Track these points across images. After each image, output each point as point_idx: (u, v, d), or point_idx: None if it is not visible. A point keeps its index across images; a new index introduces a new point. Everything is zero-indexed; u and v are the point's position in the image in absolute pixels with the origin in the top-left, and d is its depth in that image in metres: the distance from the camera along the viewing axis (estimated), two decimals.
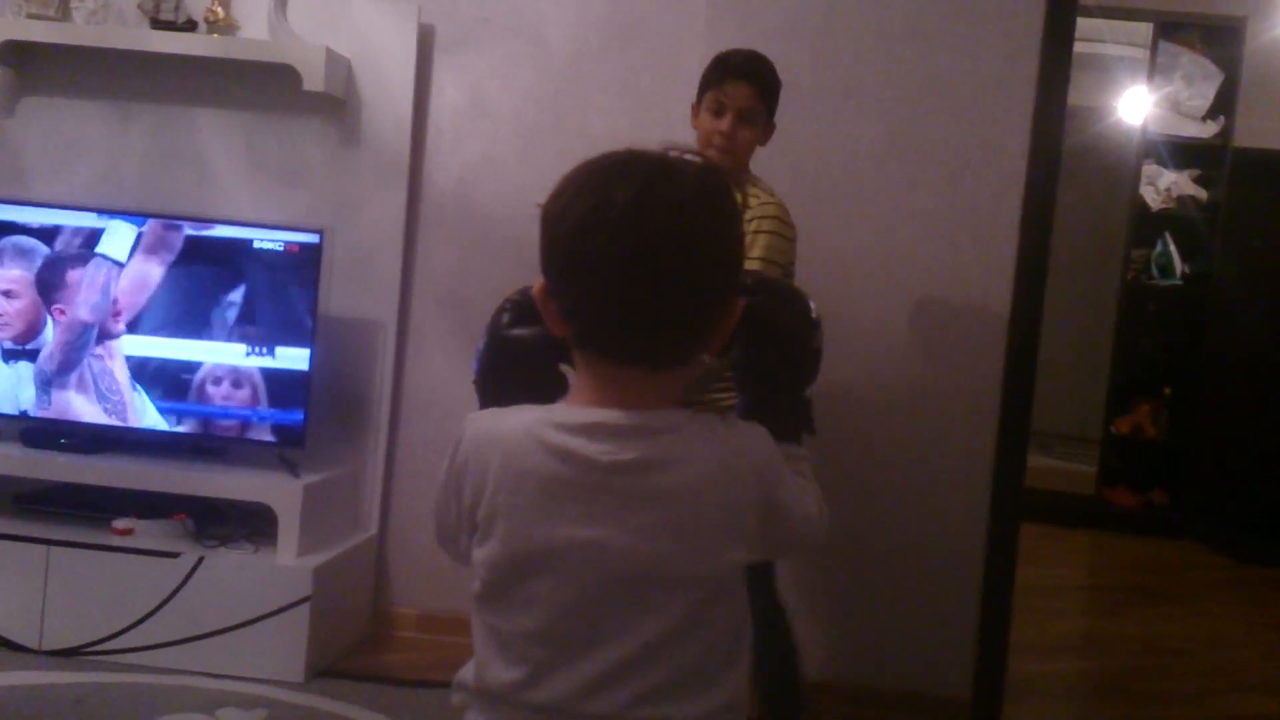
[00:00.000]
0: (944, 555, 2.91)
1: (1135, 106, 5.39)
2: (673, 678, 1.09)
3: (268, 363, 2.84)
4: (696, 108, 2.32)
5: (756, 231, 2.22)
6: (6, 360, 2.89)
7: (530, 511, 1.09)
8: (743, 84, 2.26)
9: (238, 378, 2.85)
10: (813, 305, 1.30)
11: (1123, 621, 4.08)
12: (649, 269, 1.05)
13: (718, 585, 1.12)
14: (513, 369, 1.26)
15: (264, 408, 2.84)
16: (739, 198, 2.24)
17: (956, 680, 2.88)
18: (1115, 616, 4.16)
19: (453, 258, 3.09)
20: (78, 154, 3.11)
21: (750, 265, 2.16)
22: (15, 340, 2.89)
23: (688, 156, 1.13)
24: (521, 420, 1.12)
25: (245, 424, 2.86)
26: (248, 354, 2.85)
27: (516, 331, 1.25)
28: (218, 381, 2.86)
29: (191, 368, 2.86)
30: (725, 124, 2.25)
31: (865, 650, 2.92)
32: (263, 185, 3.07)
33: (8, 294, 2.90)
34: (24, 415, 2.90)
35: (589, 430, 1.10)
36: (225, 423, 2.86)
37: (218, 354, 2.86)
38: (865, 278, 2.92)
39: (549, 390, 1.23)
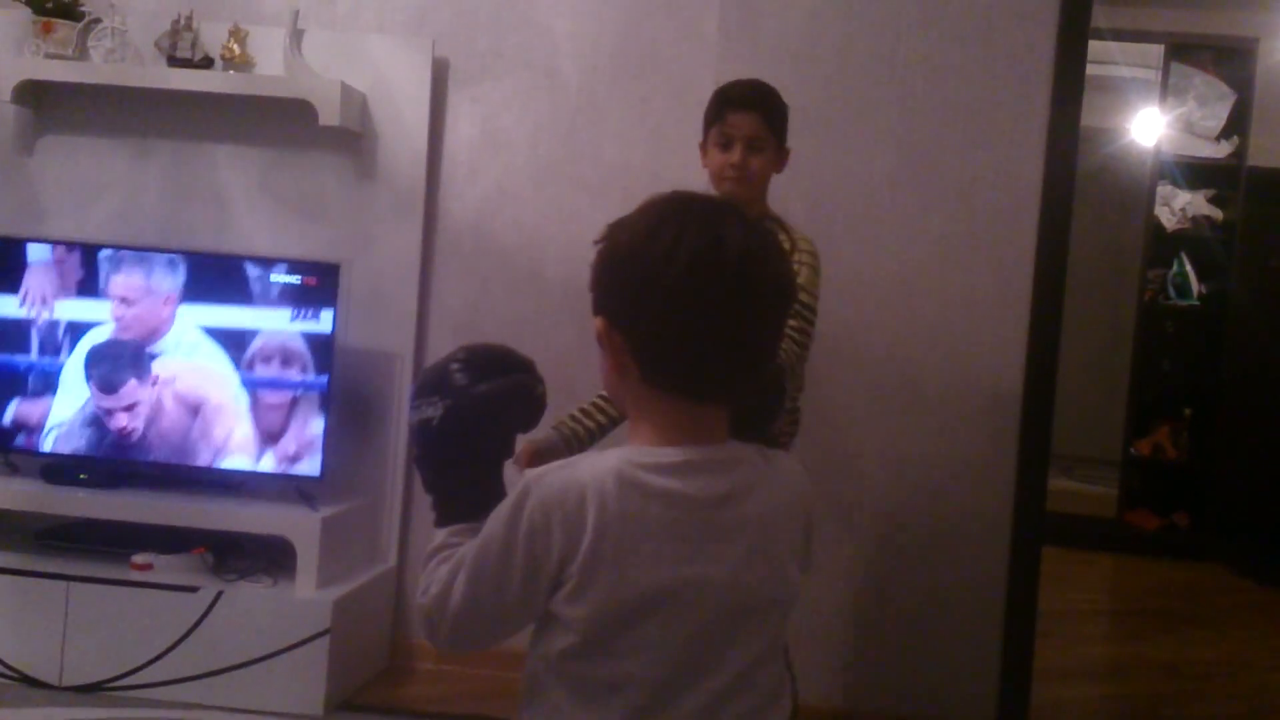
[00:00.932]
0: (965, 580, 2.89)
1: (1148, 127, 5.38)
2: (758, 702, 1.13)
3: (282, 395, 2.85)
4: (704, 146, 2.30)
5: (800, 263, 2.21)
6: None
7: (637, 556, 1.08)
8: (746, 113, 2.24)
9: (257, 407, 2.86)
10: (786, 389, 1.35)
11: (1147, 646, 4.03)
12: (734, 304, 1.08)
13: (789, 605, 1.17)
14: (489, 427, 1.22)
15: (282, 439, 2.85)
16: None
17: (979, 707, 2.86)
18: (1139, 640, 4.12)
19: (469, 289, 3.10)
20: (97, 191, 3.14)
21: (808, 295, 2.19)
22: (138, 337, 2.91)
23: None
24: (606, 467, 1.10)
25: (263, 457, 2.86)
26: (264, 385, 2.86)
27: (484, 387, 1.21)
28: (236, 411, 2.87)
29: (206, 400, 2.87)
30: (735, 155, 2.23)
31: (887, 678, 2.90)
32: (280, 219, 3.09)
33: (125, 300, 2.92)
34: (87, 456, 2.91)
35: (680, 469, 1.11)
36: (244, 454, 2.86)
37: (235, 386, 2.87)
38: (881, 302, 2.92)
39: (508, 448, 1.23)
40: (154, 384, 2.88)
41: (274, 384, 2.86)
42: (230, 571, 2.80)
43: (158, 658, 2.70)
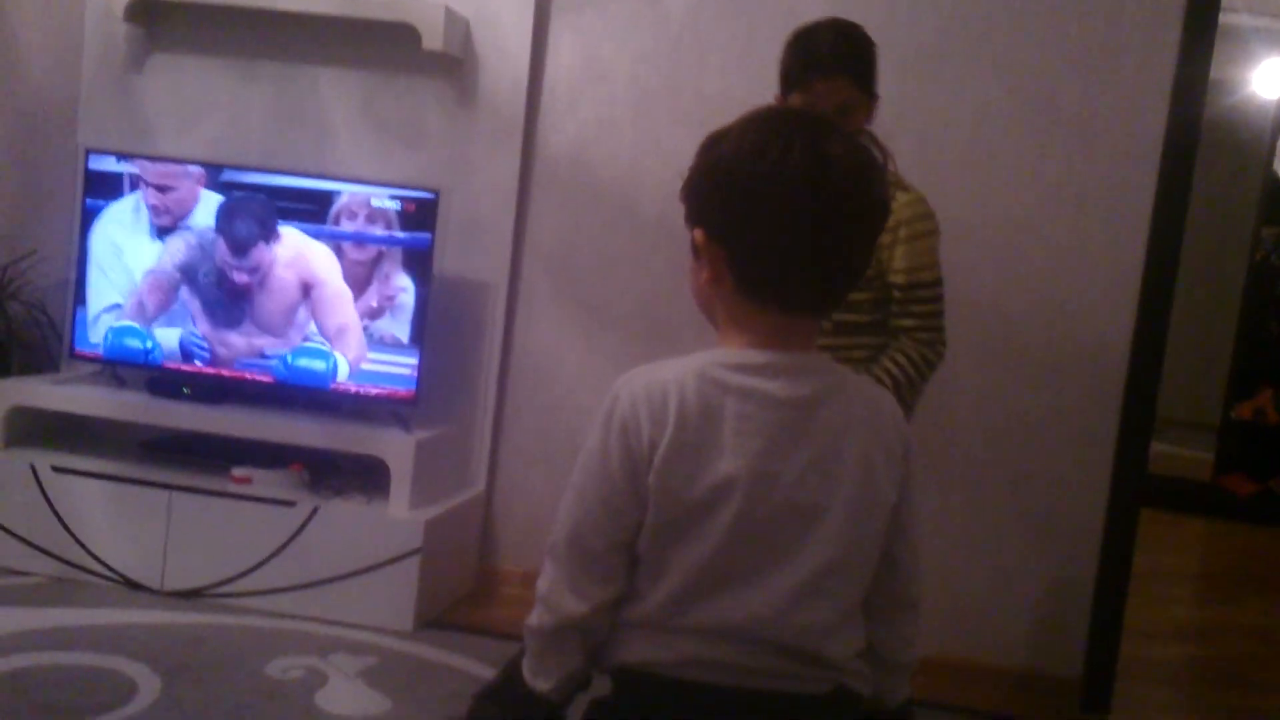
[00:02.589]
0: (1059, 535, 2.84)
1: (1271, 79, 5.15)
2: (831, 618, 1.16)
3: (383, 323, 2.89)
4: (783, 97, 2.09)
5: (908, 237, 2.07)
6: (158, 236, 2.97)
7: (715, 444, 1.13)
8: (834, 79, 2.01)
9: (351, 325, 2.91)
10: None
11: (1237, 610, 3.95)
12: (836, 220, 1.11)
13: (872, 523, 1.18)
14: None
15: (379, 359, 2.89)
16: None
17: (1068, 661, 2.83)
18: (1229, 605, 4.04)
19: (563, 221, 3.09)
20: (203, 111, 3.18)
21: (920, 275, 2.08)
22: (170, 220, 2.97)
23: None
24: (690, 366, 1.16)
25: (360, 375, 2.91)
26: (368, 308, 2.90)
27: None
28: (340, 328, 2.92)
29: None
30: None
31: (976, 628, 2.87)
32: (381, 144, 3.10)
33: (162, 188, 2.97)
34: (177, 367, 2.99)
35: (762, 370, 1.15)
36: (342, 373, 2.91)
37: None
38: (986, 247, 2.84)
39: None
40: (278, 243, 2.92)
41: (371, 304, 2.90)
42: (326, 488, 2.86)
43: (255, 568, 2.78)
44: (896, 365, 2.09)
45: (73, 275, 3.04)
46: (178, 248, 2.97)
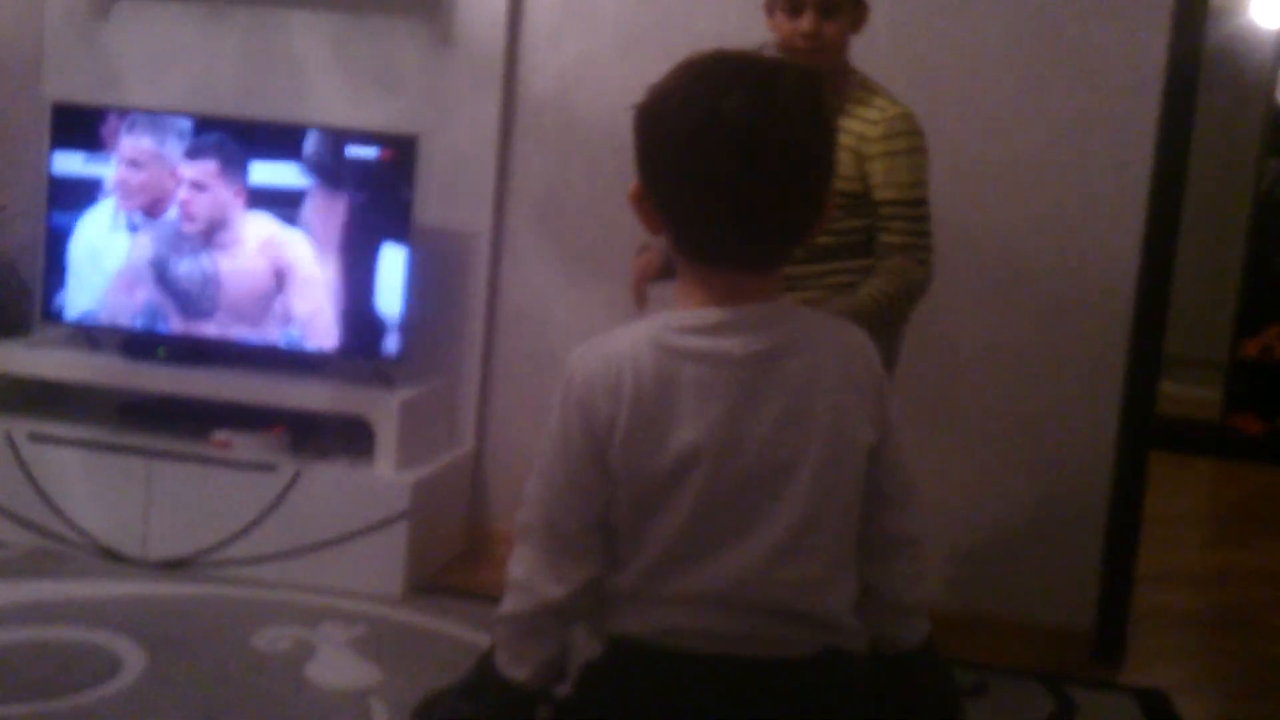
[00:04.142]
0: (1068, 481, 2.77)
1: (1270, 7, 5.01)
2: (817, 572, 1.14)
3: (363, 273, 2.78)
4: (769, 7, 2.11)
5: (894, 151, 2.05)
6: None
7: (675, 414, 1.11)
8: None
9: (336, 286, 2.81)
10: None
11: (1248, 553, 3.91)
12: (761, 179, 1.07)
13: (848, 468, 1.16)
14: None
15: (359, 318, 2.79)
16: (860, 106, 2.09)
17: (1079, 610, 2.77)
18: (1241, 547, 3.99)
19: (549, 166, 2.97)
20: (172, 59, 3.06)
21: (903, 191, 2.05)
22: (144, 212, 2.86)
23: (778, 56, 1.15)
24: (636, 335, 1.13)
25: (340, 334, 2.81)
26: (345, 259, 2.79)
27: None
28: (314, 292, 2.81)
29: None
30: (806, 23, 2.04)
31: (985, 579, 2.80)
32: (356, 88, 2.98)
33: (134, 163, 2.85)
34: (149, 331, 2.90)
35: (715, 329, 1.12)
36: (322, 332, 2.82)
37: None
38: (987, 184, 2.75)
39: None
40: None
41: (349, 258, 2.79)
42: (308, 451, 2.78)
43: (237, 535, 2.70)
44: (880, 290, 2.03)
45: (42, 233, 2.93)
46: (145, 242, 2.86)
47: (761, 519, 1.12)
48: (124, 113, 2.87)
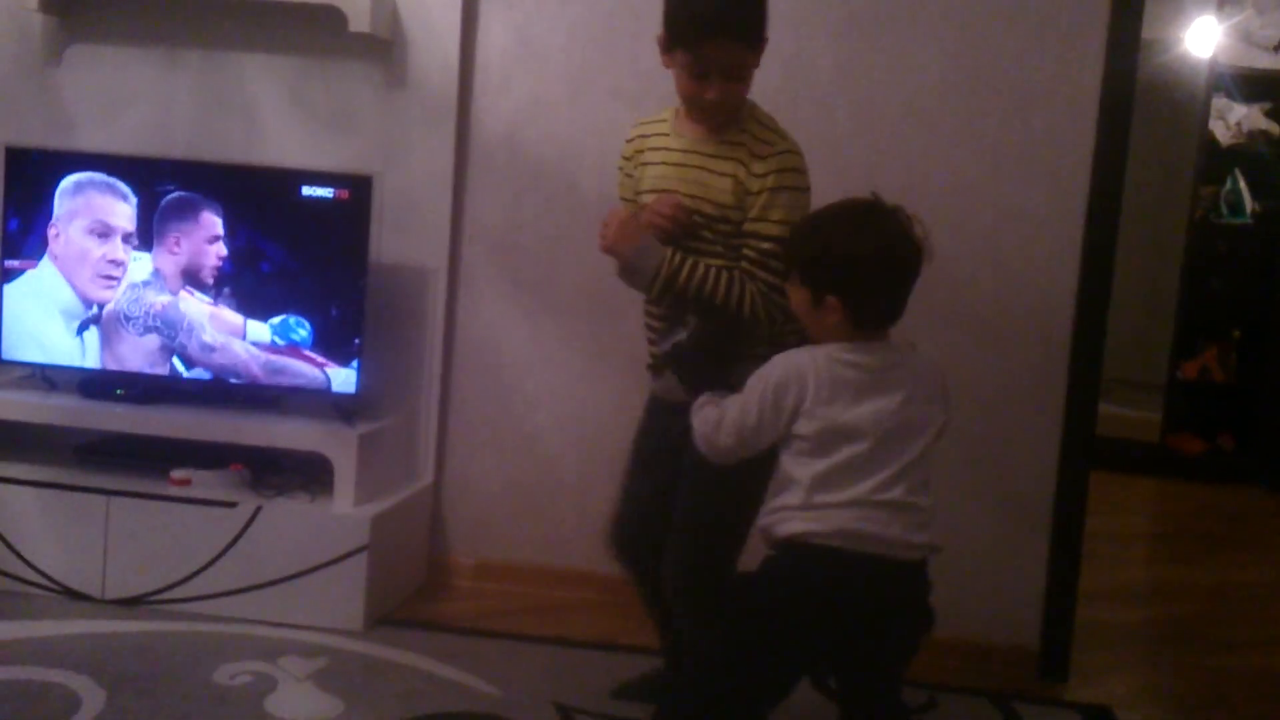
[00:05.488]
0: (1010, 501, 2.84)
1: (1204, 38, 5.18)
2: (923, 477, 1.83)
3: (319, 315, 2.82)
4: (667, 45, 2.00)
5: (778, 187, 2.00)
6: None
7: (842, 402, 1.79)
8: (724, 41, 1.94)
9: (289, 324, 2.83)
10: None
11: (1191, 569, 4.00)
12: (911, 276, 1.85)
13: (937, 430, 1.85)
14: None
15: (317, 357, 2.82)
16: (755, 141, 2.06)
17: (1023, 629, 2.83)
18: (1183, 564, 4.08)
19: (502, 203, 3.03)
20: (126, 102, 3.08)
21: (776, 229, 1.99)
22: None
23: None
24: (821, 352, 1.81)
25: (299, 374, 2.84)
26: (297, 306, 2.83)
27: (694, 320, 2.01)
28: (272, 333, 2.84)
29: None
30: (713, 92, 1.96)
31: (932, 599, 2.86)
32: (310, 130, 3.02)
33: (103, 235, 2.87)
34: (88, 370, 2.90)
35: (861, 351, 1.81)
36: (280, 372, 2.84)
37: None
38: (929, 214, 2.78)
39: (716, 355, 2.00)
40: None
41: (307, 299, 2.82)
42: (268, 487, 2.80)
43: (198, 572, 2.71)
44: (738, 293, 2.02)
45: None
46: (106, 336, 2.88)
47: (899, 454, 1.78)
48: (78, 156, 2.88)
